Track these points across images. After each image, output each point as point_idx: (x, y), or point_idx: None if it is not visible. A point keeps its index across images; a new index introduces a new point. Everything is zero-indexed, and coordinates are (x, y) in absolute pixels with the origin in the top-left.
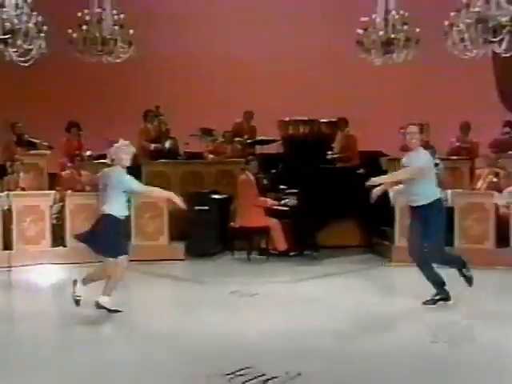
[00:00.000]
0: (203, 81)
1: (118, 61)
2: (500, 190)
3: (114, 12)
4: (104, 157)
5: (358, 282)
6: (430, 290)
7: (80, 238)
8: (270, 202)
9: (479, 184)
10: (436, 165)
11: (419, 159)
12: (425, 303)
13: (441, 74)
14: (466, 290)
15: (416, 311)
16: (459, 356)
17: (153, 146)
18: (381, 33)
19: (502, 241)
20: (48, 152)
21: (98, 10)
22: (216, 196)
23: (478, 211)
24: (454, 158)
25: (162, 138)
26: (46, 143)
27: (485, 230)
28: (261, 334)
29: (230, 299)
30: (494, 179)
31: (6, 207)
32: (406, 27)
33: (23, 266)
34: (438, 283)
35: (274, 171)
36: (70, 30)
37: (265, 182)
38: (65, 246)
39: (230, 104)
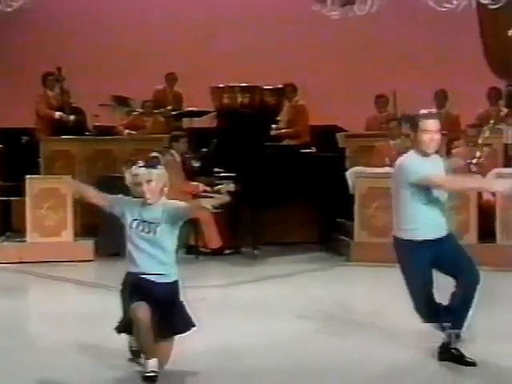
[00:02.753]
0: (117, 38)
1: (8, 10)
2: (484, 173)
3: None
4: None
5: (308, 285)
6: (392, 294)
7: None
8: (200, 187)
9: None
10: None
11: None
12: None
13: (412, 31)
14: None
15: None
16: None
17: (57, 114)
18: None
19: (485, 235)
20: None
21: None
22: None
23: (457, 198)
24: None
25: (66, 108)
26: None
27: (464, 222)
28: (188, 349)
29: None
30: (474, 160)
31: None
32: None
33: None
34: None
35: (205, 150)
36: None
37: (194, 163)
38: None
39: (150, 67)
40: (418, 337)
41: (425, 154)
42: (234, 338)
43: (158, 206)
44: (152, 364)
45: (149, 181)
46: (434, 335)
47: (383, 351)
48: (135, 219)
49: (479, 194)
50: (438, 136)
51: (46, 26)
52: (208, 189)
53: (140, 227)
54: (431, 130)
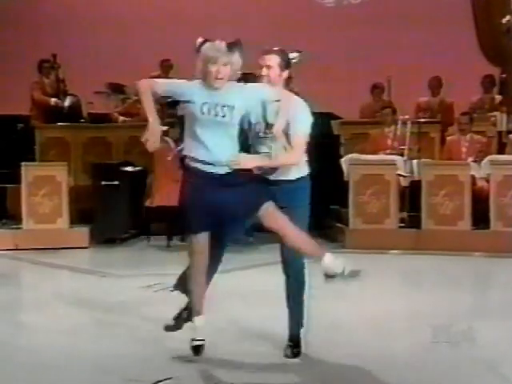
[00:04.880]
0: (112, 25)
1: None
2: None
3: None
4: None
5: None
6: (386, 280)
7: None
8: None
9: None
10: None
11: None
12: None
13: (406, 19)
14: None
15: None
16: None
17: (53, 100)
18: None
19: (479, 221)
20: None
21: None
22: (127, 168)
23: (451, 185)
24: (422, 120)
25: (61, 95)
26: None
27: (459, 208)
28: (183, 339)
29: (144, 295)
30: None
31: None
32: None
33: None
34: None
35: None
36: None
37: None
38: None
39: (144, 55)
40: (412, 322)
41: None
42: (229, 324)
43: (229, 88)
44: (199, 321)
45: (225, 64)
46: (429, 318)
47: (378, 335)
48: (205, 102)
49: (473, 181)
50: None
51: (42, 14)
52: None
53: (212, 111)
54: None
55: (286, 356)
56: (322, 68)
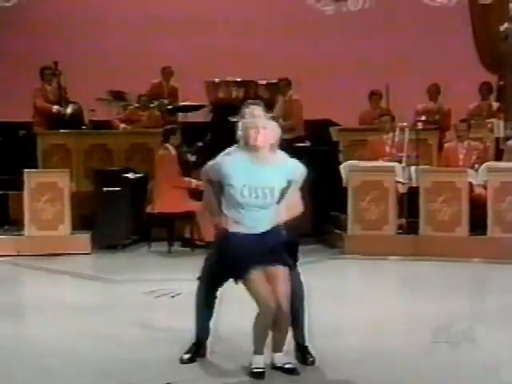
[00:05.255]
0: (113, 33)
1: (7, 5)
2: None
3: None
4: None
5: (302, 276)
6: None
7: None
8: (194, 182)
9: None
10: None
11: None
12: None
13: (405, 26)
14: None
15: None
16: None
17: (55, 107)
18: None
19: (476, 227)
20: None
21: None
22: (129, 175)
23: (448, 191)
24: (420, 127)
25: (63, 102)
26: None
27: (457, 215)
28: (184, 344)
29: (146, 301)
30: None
31: None
32: None
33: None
34: None
35: (200, 144)
36: None
37: (190, 157)
38: None
39: (145, 62)
40: (411, 325)
41: None
42: (229, 327)
43: (272, 164)
44: (258, 360)
45: (264, 128)
46: (427, 322)
47: (377, 338)
48: (245, 185)
49: (471, 187)
50: None
51: (43, 21)
52: (201, 184)
53: (253, 194)
54: None
55: (303, 363)
56: (320, 75)
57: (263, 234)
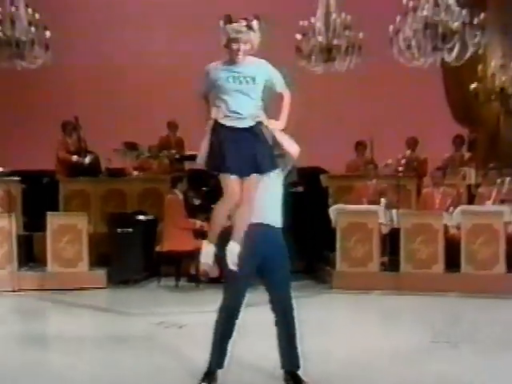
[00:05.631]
0: (127, 92)
1: (33, 66)
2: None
3: (29, 11)
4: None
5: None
6: (370, 317)
7: None
8: (199, 223)
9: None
10: None
11: None
12: None
13: (386, 85)
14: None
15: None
16: None
17: (74, 157)
18: (320, 38)
19: (451, 265)
20: None
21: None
22: (141, 217)
23: (426, 233)
24: (401, 175)
25: (82, 152)
26: None
27: (433, 254)
28: (192, 371)
29: (156, 331)
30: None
31: None
32: (348, 32)
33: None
34: None
35: (205, 189)
36: None
37: (195, 201)
38: None
39: (155, 117)
40: (392, 357)
41: None
42: (232, 357)
43: (249, 63)
44: None
45: (246, 42)
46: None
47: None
48: (228, 76)
49: (446, 229)
50: None
51: (66, 81)
52: (204, 224)
53: (237, 81)
54: None
55: None
56: (311, 128)
57: (246, 129)
